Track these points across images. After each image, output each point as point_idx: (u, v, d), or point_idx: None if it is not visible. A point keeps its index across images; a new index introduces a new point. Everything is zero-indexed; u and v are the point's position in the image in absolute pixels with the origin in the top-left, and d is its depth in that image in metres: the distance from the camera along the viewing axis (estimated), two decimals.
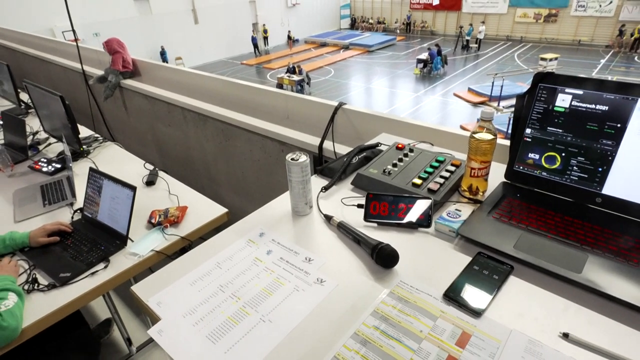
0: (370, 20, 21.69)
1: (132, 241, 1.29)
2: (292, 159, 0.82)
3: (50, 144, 2.00)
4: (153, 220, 1.37)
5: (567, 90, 0.80)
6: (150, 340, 1.66)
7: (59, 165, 1.77)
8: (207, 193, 1.51)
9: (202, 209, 1.45)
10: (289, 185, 0.86)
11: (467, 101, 11.15)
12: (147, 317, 1.68)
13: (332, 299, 0.67)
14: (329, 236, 0.82)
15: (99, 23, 11.38)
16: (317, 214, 0.89)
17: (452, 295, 0.64)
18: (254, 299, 0.66)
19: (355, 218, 0.85)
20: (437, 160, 0.98)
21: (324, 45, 18.88)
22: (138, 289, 0.70)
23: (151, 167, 1.72)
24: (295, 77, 11.99)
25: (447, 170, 0.94)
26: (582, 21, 15.92)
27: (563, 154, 0.82)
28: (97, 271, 1.18)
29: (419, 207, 0.82)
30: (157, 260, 1.27)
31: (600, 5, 15.19)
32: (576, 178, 0.81)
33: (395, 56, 16.53)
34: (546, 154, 0.84)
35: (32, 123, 2.12)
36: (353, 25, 22.38)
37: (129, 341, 1.63)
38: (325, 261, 0.75)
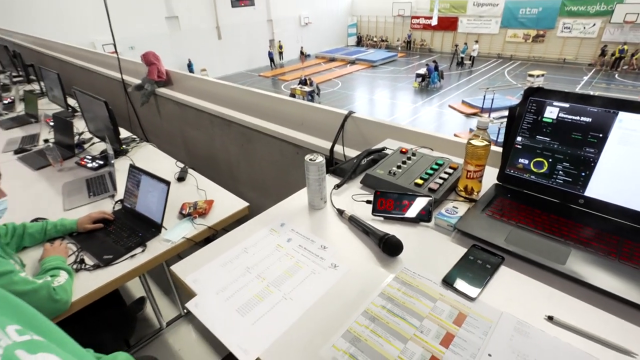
0: (375, 39, 21.64)
1: (166, 229, 1.32)
2: (310, 160, 0.84)
3: (93, 143, 2.04)
4: (184, 212, 1.40)
5: (555, 103, 0.81)
6: (179, 317, 1.69)
7: (101, 162, 1.81)
8: (229, 189, 1.54)
9: (226, 202, 1.47)
10: (306, 182, 0.88)
11: (461, 112, 11.07)
12: (176, 296, 1.71)
13: (344, 282, 0.68)
14: (341, 227, 0.84)
15: (134, 37, 11.50)
16: (330, 208, 0.91)
17: (450, 281, 0.66)
18: (276, 280, 0.69)
19: (364, 212, 0.86)
20: (436, 164, 0.99)
21: (332, 60, 18.89)
22: (177, 268, 0.73)
23: (182, 165, 1.75)
24: (307, 88, 12.02)
25: (445, 172, 0.95)
26: (567, 41, 15.72)
27: (550, 160, 0.83)
28: (135, 254, 1.21)
29: (421, 204, 0.83)
30: (185, 247, 1.29)
31: (584, 27, 15.00)
32: (561, 181, 0.82)
33: (397, 71, 16.48)
34: (535, 160, 0.85)
35: (78, 125, 2.17)
36: (359, 42, 22.36)
37: (159, 317, 1.66)
38: (338, 249, 0.77)
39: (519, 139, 0.87)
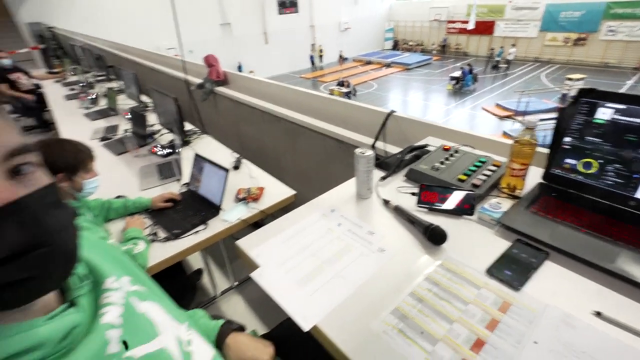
0: (410, 42, 20.98)
1: (224, 210, 1.39)
2: (360, 152, 0.85)
3: (162, 134, 2.18)
4: (239, 196, 1.46)
5: (609, 104, 0.76)
6: (230, 288, 1.78)
7: (169, 150, 1.93)
8: (276, 179, 1.58)
9: (275, 190, 1.52)
10: (355, 173, 0.89)
11: (494, 115, 10.48)
12: (228, 269, 1.80)
13: (390, 265, 0.69)
14: (386, 216, 0.84)
15: (193, 42, 12.01)
16: (376, 198, 0.91)
17: (494, 272, 0.64)
18: (329, 259, 0.71)
19: (408, 203, 0.86)
20: (479, 161, 0.96)
21: (369, 63, 18.58)
22: (242, 243, 0.77)
23: (237, 155, 1.82)
24: (344, 89, 11.95)
25: (488, 170, 0.92)
26: (611, 45, 14.28)
27: (600, 161, 0.77)
28: (198, 231, 1.28)
29: (464, 198, 0.81)
30: (238, 229, 1.35)
31: (631, 30, 13.53)
32: (611, 182, 0.77)
33: (431, 74, 15.90)
34: (583, 160, 0.80)
35: (150, 118, 2.32)
36: (395, 46, 21.78)
37: (214, 287, 1.76)
38: (384, 235, 0.77)
39: (567, 139, 0.82)
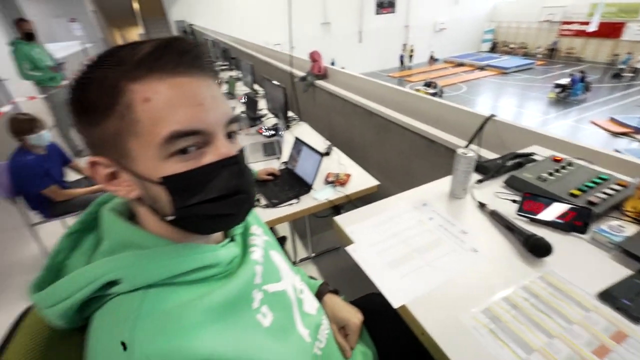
0: (512, 45, 18.32)
1: (314, 190, 1.46)
2: (462, 153, 0.80)
3: (268, 118, 2.37)
4: (328, 179, 1.52)
5: None
6: (307, 258, 1.89)
7: (273, 132, 2.10)
8: None
9: (361, 179, 1.53)
10: (453, 172, 0.84)
11: (607, 130, 8.56)
12: (308, 241, 1.91)
13: (484, 266, 0.65)
14: (480, 219, 0.78)
15: (296, 39, 12.61)
16: (470, 200, 0.85)
17: (609, 298, 0.55)
18: (420, 248, 0.69)
19: (506, 210, 0.78)
20: (600, 178, 0.81)
21: (461, 65, 16.91)
22: (339, 219, 0.81)
23: (328, 143, 1.89)
24: (430, 90, 11.20)
25: (611, 188, 0.77)
26: None
27: None
28: (292, 204, 1.38)
29: (577, 214, 0.70)
30: (323, 208, 1.40)
31: None
32: None
33: (531, 79, 13.72)
34: None
35: (260, 103, 2.54)
36: (493, 48, 19.34)
37: (295, 254, 1.89)
38: (477, 236, 0.72)
39: None
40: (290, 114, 2.34)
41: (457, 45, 18.47)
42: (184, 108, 0.34)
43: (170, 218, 0.37)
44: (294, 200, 1.40)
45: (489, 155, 1.31)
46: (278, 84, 2.08)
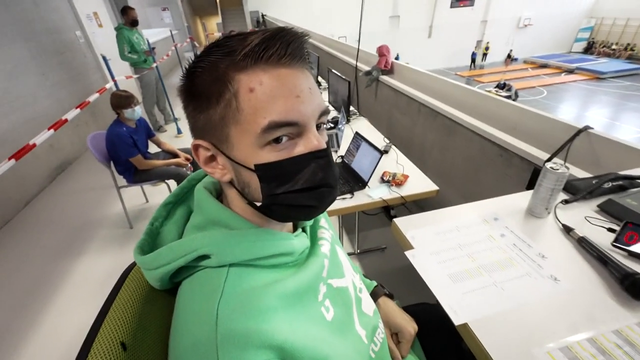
0: (614, 46, 15.62)
1: (369, 187, 1.43)
2: (551, 167, 0.71)
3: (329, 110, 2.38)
4: (384, 178, 1.48)
5: None
6: (352, 253, 1.88)
7: (332, 125, 2.10)
8: None
9: (419, 181, 1.46)
10: (536, 187, 0.75)
11: None
12: (355, 237, 1.90)
13: (565, 298, 0.57)
14: (563, 244, 0.69)
15: (362, 32, 12.42)
16: (552, 221, 0.75)
17: None
18: (487, 265, 0.64)
19: (598, 239, 0.67)
20: None
21: (544, 66, 14.95)
22: (399, 222, 0.78)
23: (387, 141, 1.83)
24: (503, 93, 10.18)
25: None
26: None
27: None
28: (345, 198, 1.37)
29: None
30: (375, 207, 1.36)
31: None
32: None
33: (633, 87, 11.61)
34: None
35: (322, 95, 2.56)
36: (588, 49, 16.74)
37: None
38: (558, 264, 0.64)
39: None
40: (351, 108, 2.32)
41: (543, 44, 16.36)
42: (283, 99, 0.35)
43: (257, 204, 0.38)
44: (347, 195, 1.39)
45: (579, 173, 1.14)
46: (344, 77, 2.07)
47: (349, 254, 1.89)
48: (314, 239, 0.48)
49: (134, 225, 2.23)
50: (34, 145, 1.71)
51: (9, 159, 1.53)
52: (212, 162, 0.39)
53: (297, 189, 0.37)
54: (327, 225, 0.54)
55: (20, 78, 2.77)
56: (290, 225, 0.47)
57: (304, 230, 0.47)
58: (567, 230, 0.70)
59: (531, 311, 0.55)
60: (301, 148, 0.37)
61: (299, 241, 0.43)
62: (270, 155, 0.36)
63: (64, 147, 3.22)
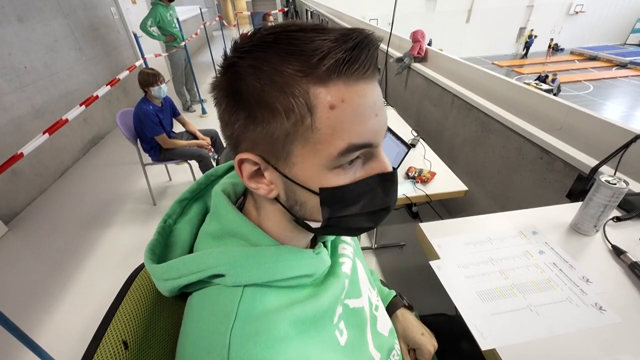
0: None
1: None
2: (606, 181, 0.63)
3: None
4: (409, 173, 1.41)
5: None
6: (369, 248, 1.85)
7: None
8: None
9: (446, 180, 1.39)
10: (585, 201, 0.67)
11: None
12: (374, 233, 1.86)
13: (610, 333, 0.51)
14: (612, 269, 0.62)
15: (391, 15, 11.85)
16: (600, 240, 0.68)
17: None
18: (522, 285, 0.58)
19: None
20: None
21: (593, 59, 13.70)
22: (424, 227, 0.73)
23: (415, 134, 1.75)
24: (544, 86, 9.47)
25: None
26: None
27: None
28: None
29: None
30: (397, 204, 1.31)
31: None
32: None
33: None
34: None
35: None
36: None
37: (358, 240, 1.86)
38: (606, 290, 0.57)
39: None
40: None
41: (594, 34, 14.92)
42: (364, 119, 0.30)
43: (310, 224, 0.35)
44: None
45: (633, 186, 1.03)
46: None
47: (365, 249, 1.86)
48: (334, 255, 0.45)
49: (157, 202, 2.30)
50: (67, 120, 1.77)
51: (43, 133, 1.60)
52: (258, 177, 0.34)
53: (361, 212, 0.34)
54: (349, 238, 0.50)
55: (60, 52, 2.87)
56: (310, 236, 0.43)
57: (324, 244, 0.44)
58: (618, 252, 0.63)
59: (569, 343, 0.50)
60: (370, 171, 0.33)
61: (321, 261, 0.39)
62: (338, 179, 0.32)
63: (97, 121, 3.35)
